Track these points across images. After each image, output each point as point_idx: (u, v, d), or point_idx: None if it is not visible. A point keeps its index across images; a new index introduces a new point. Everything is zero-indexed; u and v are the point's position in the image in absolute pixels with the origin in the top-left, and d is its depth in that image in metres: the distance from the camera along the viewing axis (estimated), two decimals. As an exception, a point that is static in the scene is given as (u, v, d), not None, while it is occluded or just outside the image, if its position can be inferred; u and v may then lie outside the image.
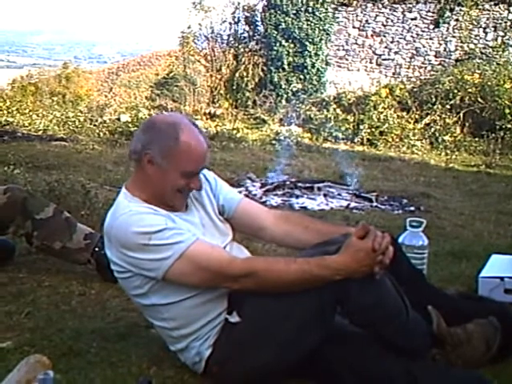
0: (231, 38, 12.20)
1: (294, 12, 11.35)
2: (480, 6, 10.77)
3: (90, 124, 8.60)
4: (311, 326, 1.81)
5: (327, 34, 11.57)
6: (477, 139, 8.82)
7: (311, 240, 1.97)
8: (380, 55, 11.52)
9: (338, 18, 11.69)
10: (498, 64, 9.88)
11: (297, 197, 5.10)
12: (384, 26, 11.48)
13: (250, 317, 1.84)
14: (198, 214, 2.00)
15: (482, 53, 10.62)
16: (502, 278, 2.61)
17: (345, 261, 1.76)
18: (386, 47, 11.48)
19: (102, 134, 8.08)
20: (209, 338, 1.88)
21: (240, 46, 11.91)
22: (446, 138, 8.83)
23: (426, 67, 11.12)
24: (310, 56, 11.42)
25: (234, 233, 2.09)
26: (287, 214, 2.24)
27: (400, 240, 2.66)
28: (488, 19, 10.75)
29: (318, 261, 1.79)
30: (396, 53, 11.39)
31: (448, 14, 10.95)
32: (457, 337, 1.93)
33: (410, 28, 11.27)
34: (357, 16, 11.67)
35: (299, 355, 1.83)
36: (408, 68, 11.28)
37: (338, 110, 9.59)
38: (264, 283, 1.80)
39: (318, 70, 11.52)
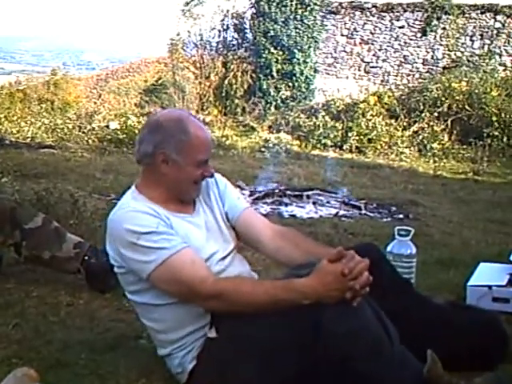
0: (220, 46, 12.22)
1: (283, 20, 11.39)
2: (467, 15, 10.87)
3: (79, 131, 8.54)
4: (286, 350, 1.71)
5: (316, 41, 11.63)
6: (464, 147, 8.85)
7: (298, 259, 1.90)
8: (368, 63, 11.58)
9: (326, 25, 11.77)
10: (484, 72, 9.96)
11: (286, 205, 5.09)
12: (372, 33, 11.56)
13: (227, 335, 1.80)
14: (205, 217, 2.00)
15: (468, 61, 10.71)
16: (490, 287, 2.63)
17: (312, 284, 1.67)
18: (374, 55, 11.55)
19: (90, 141, 8.04)
20: (192, 350, 1.87)
21: (229, 54, 11.92)
22: (434, 145, 8.86)
23: (413, 75, 11.19)
24: (299, 63, 11.46)
25: (237, 242, 2.06)
26: (284, 230, 2.12)
27: (388, 249, 2.68)
28: (475, 27, 10.85)
29: (285, 284, 1.74)
30: (384, 60, 11.46)
31: (435, 22, 11.04)
32: None
33: (397, 36, 11.35)
34: (345, 24, 11.74)
35: (282, 378, 1.73)
36: (396, 76, 11.35)
37: (327, 118, 9.58)
38: (231, 306, 1.76)
39: (306, 77, 11.55)
